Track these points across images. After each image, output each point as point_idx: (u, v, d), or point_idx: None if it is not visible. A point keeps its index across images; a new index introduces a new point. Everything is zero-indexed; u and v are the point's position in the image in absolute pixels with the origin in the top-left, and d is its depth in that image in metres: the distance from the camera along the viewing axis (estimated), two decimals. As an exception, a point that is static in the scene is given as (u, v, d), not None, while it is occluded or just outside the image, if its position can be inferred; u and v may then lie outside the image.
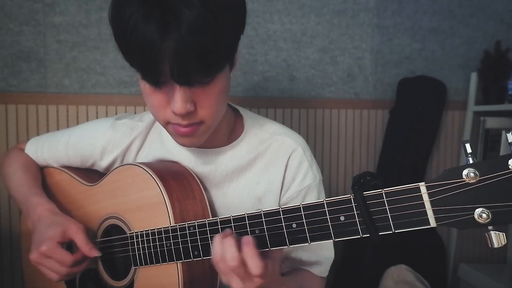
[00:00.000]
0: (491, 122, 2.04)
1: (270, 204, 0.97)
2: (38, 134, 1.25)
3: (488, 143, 2.03)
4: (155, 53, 0.69)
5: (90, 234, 1.00)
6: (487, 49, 2.04)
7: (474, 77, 2.08)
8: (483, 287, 1.92)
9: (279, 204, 0.99)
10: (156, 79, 0.74)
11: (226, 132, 0.99)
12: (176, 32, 0.67)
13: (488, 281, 1.89)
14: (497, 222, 0.50)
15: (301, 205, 0.68)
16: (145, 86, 0.78)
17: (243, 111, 1.05)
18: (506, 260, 2.20)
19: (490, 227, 0.51)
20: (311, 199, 0.99)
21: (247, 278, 0.71)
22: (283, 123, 1.93)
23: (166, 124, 0.83)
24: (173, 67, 0.70)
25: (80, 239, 0.90)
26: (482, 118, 2.06)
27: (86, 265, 0.94)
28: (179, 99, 0.75)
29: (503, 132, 1.97)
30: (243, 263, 0.69)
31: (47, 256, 0.88)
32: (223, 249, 0.71)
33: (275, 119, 1.94)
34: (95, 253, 0.91)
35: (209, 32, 0.69)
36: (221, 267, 0.72)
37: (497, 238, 0.51)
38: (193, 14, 0.67)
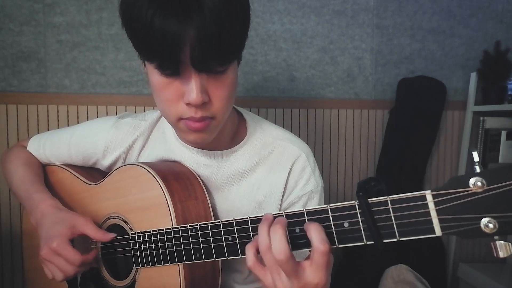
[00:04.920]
0: (491, 122, 2.04)
1: (270, 209, 0.97)
2: (39, 134, 1.26)
3: (488, 143, 2.03)
4: (177, 41, 0.69)
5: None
6: (487, 49, 2.04)
7: (473, 77, 2.08)
8: (483, 287, 1.93)
9: (279, 210, 0.98)
10: (175, 69, 0.74)
11: (230, 135, 0.99)
12: (199, 17, 0.68)
13: (488, 281, 1.90)
14: (504, 232, 0.50)
15: (304, 210, 0.67)
16: (157, 80, 0.78)
17: (247, 114, 1.05)
18: (506, 260, 2.20)
19: (496, 237, 0.51)
20: (312, 205, 0.98)
21: (294, 275, 0.65)
22: (283, 123, 1.94)
23: (178, 121, 0.82)
24: (194, 53, 0.71)
25: (91, 229, 0.91)
26: (481, 118, 2.06)
27: (89, 266, 0.94)
28: (195, 88, 0.75)
29: (503, 132, 1.98)
30: (292, 258, 0.64)
31: (57, 253, 0.87)
32: (272, 239, 0.65)
33: (275, 119, 1.95)
34: (110, 236, 0.91)
35: (229, 16, 0.71)
36: (267, 259, 0.66)
37: (503, 248, 0.51)
38: None
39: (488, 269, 2.02)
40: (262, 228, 0.67)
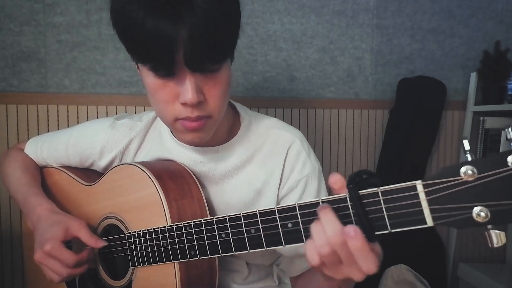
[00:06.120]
0: (491, 122, 2.04)
1: (269, 197, 0.97)
2: (38, 134, 1.26)
3: (488, 143, 2.03)
4: (170, 42, 0.69)
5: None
6: (487, 49, 2.04)
7: (473, 77, 2.08)
8: (483, 286, 1.92)
9: (278, 196, 0.98)
10: (169, 70, 0.74)
11: (225, 130, 0.99)
12: (191, 17, 0.68)
13: (488, 280, 1.89)
14: (496, 221, 0.49)
15: (296, 204, 0.66)
16: (152, 82, 0.78)
17: (240, 108, 1.05)
18: (505, 260, 2.19)
19: (489, 226, 0.50)
20: (312, 189, 0.97)
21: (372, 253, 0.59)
22: (282, 123, 1.93)
23: (174, 122, 0.82)
24: (187, 53, 0.71)
25: (84, 234, 0.91)
26: (481, 118, 2.06)
27: (87, 267, 0.94)
28: (190, 88, 0.75)
29: (503, 132, 1.97)
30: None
31: (51, 255, 0.88)
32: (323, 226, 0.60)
33: (275, 119, 1.94)
34: (101, 243, 0.91)
35: (221, 14, 0.71)
36: (344, 253, 0.60)
37: (496, 237, 0.50)
38: None
39: (488, 269, 2.02)
40: (320, 227, 0.61)
